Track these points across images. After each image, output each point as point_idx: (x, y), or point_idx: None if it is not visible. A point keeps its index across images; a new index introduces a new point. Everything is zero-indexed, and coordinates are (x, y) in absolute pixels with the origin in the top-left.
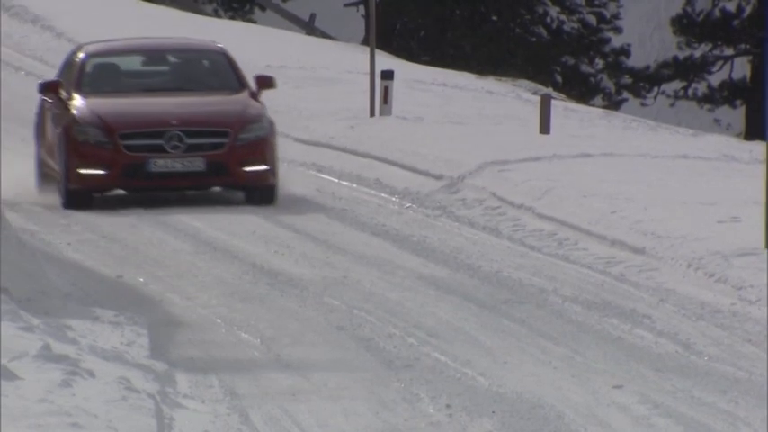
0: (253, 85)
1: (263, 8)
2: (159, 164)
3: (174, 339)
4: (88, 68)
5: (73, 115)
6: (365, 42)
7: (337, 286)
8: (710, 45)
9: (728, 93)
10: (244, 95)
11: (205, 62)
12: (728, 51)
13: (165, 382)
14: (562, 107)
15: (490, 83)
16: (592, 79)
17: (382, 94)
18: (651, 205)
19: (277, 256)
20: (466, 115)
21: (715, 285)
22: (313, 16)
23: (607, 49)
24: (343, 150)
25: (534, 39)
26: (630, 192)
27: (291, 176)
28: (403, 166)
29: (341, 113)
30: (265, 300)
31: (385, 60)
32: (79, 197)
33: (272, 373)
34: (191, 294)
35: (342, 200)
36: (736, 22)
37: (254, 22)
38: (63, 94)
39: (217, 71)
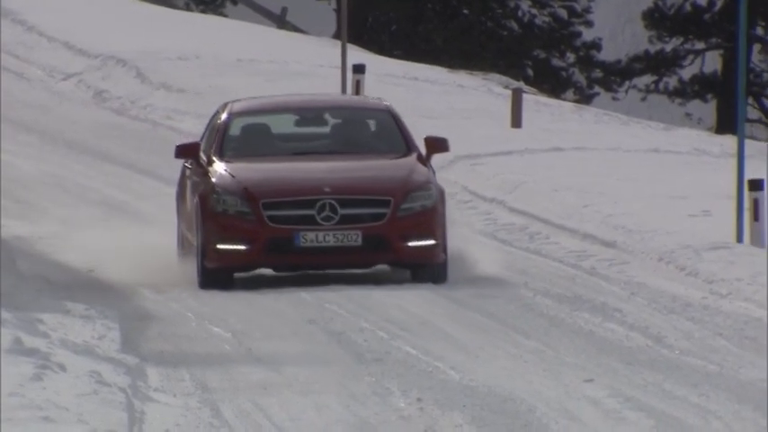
0: (422, 147)
1: (234, 2)
2: (309, 237)
3: (145, 333)
4: (232, 130)
5: (211, 182)
6: (337, 36)
7: (308, 280)
8: (682, 39)
9: (700, 87)
10: (410, 159)
11: (368, 122)
12: (700, 45)
13: (136, 375)
14: (533, 101)
15: (462, 77)
16: (563, 73)
17: (354, 88)
18: (622, 199)
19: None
20: (437, 109)
21: (686, 279)
22: (284, 10)
23: (578, 42)
24: None
25: (506, 33)
26: (602, 186)
27: None
28: None
29: None
30: (232, 289)
31: (356, 54)
32: (217, 276)
33: (244, 366)
34: None
35: None
36: (707, 16)
37: (225, 15)
38: (203, 158)
39: (381, 132)
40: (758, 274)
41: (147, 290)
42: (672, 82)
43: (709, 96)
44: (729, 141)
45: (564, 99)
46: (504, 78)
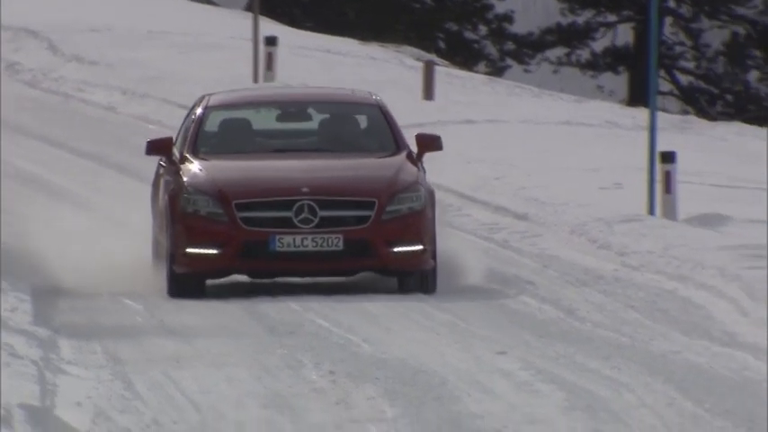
0: (414, 146)
1: None
2: (286, 241)
3: (57, 306)
4: (208, 125)
5: (182, 181)
6: (249, 8)
7: None
8: (594, 11)
9: (612, 59)
10: (399, 158)
11: (356, 118)
12: (612, 18)
13: (48, 348)
14: (446, 73)
15: (373, 49)
16: (475, 45)
17: (266, 60)
18: (534, 171)
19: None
20: (349, 81)
21: (598, 252)
22: None
23: (491, 15)
24: None
25: (418, 5)
26: (514, 158)
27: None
28: None
29: (224, 80)
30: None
31: (268, 26)
32: (187, 283)
33: (156, 339)
34: None
35: None
36: None
37: None
38: (176, 155)
39: (369, 129)
40: (670, 247)
41: (56, 261)
42: (584, 55)
43: (620, 69)
44: (641, 114)
45: (476, 72)
46: (417, 51)
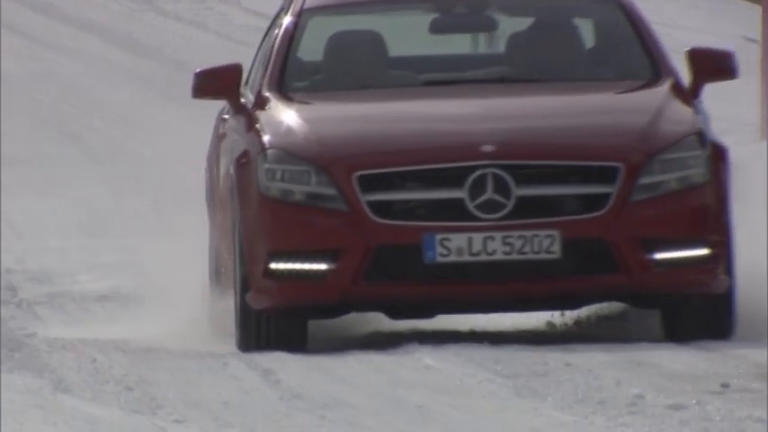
0: (683, 71)
1: None
2: (454, 245)
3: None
4: (304, 43)
5: (260, 141)
6: None
7: (43, 80)
8: None
9: None
10: (659, 92)
11: (574, 24)
12: None
13: None
14: None
15: None
16: None
17: None
18: None
19: None
20: None
21: None
22: None
23: None
24: None
25: None
26: None
27: None
28: None
29: None
30: None
31: None
32: (273, 326)
33: None
34: None
35: None
36: None
37: None
38: (248, 97)
39: (603, 42)
40: None
41: None
42: None
43: None
44: None
45: None
46: None
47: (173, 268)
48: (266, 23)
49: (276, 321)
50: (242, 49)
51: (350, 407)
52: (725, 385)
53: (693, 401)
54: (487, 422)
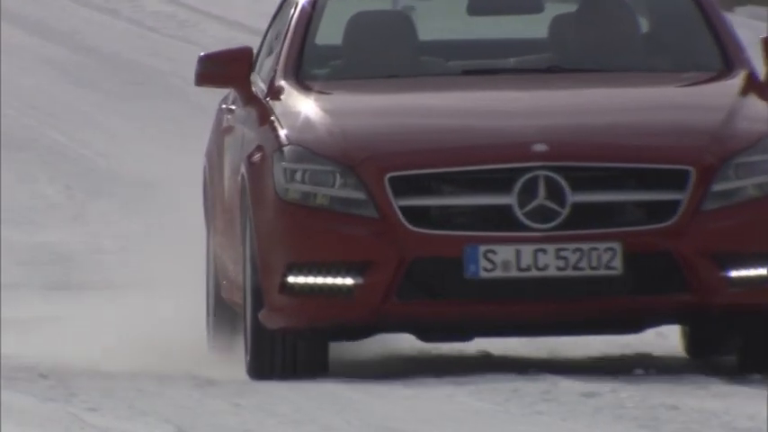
0: (759, 62)
1: None
2: (500, 259)
3: None
4: (324, 26)
5: (275, 136)
6: None
7: None
8: None
9: None
10: (732, 85)
11: (630, 8)
12: None
13: None
14: None
15: None
16: None
17: None
18: None
19: None
20: None
21: None
22: None
23: None
24: None
25: None
26: None
27: None
28: None
29: None
30: None
31: None
32: (289, 348)
33: None
34: None
35: None
36: None
37: None
38: (259, 85)
39: (664, 29)
40: None
41: None
42: None
43: None
44: None
45: None
46: None
47: (87, 255)
48: (180, 11)
49: (293, 344)
50: (154, 36)
51: (268, 403)
52: None
53: None
54: (401, 409)
